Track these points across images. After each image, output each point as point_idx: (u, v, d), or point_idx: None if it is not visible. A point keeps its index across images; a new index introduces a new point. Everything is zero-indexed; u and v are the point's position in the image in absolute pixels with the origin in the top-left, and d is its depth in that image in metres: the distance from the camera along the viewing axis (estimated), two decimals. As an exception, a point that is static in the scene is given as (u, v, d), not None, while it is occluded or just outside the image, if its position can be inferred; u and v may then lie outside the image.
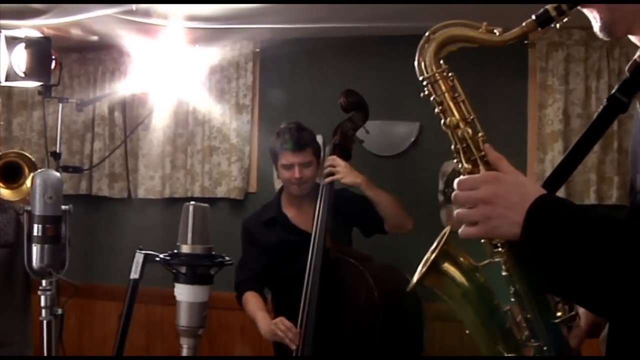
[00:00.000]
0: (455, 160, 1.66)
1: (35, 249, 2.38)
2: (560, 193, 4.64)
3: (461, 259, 1.79)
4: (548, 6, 1.56)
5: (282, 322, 3.57)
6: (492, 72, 4.97)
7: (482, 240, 1.61)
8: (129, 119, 5.70)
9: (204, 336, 2.28)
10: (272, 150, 3.94)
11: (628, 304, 1.34)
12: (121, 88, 5.50)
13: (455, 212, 1.52)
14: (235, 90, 5.46)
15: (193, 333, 2.10)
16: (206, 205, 2.19)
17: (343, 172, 3.74)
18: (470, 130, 1.64)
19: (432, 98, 1.71)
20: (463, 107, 1.68)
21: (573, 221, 1.39)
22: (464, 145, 1.64)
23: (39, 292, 2.39)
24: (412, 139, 5.10)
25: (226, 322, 5.28)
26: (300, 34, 5.06)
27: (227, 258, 2.18)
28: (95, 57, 5.79)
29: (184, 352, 2.14)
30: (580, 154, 1.72)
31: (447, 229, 1.80)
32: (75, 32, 5.15)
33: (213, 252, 2.16)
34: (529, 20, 1.58)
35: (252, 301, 3.82)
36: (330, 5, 4.41)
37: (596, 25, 1.53)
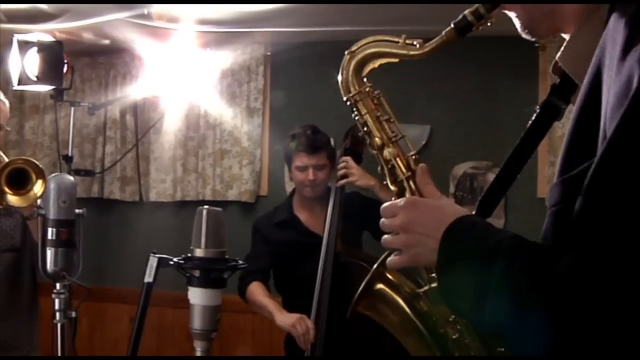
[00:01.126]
0: (384, 182, 1.63)
1: (49, 253, 2.40)
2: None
3: (401, 284, 1.72)
4: (466, 11, 1.51)
5: (306, 321, 3.55)
6: (502, 76, 4.98)
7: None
8: (141, 122, 5.72)
9: (215, 339, 2.28)
10: (287, 152, 3.94)
11: (534, 338, 1.15)
12: (133, 92, 5.52)
13: (382, 239, 1.47)
14: (246, 94, 5.48)
15: (206, 336, 2.11)
16: (219, 209, 2.19)
17: (357, 174, 3.75)
18: (396, 150, 1.61)
19: (356, 118, 1.68)
20: (387, 127, 1.64)
21: (479, 247, 1.27)
22: (390, 166, 1.61)
23: (53, 296, 2.40)
24: (423, 142, 5.10)
25: (237, 325, 5.29)
26: (311, 38, 5.07)
27: (240, 262, 2.19)
28: (107, 60, 5.82)
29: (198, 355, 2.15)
30: (515, 168, 1.61)
31: (386, 253, 1.66)
32: (87, 36, 5.17)
33: (226, 256, 2.17)
34: (448, 28, 1.53)
35: (259, 291, 3.79)
36: (340, 9, 4.42)
37: (517, 24, 1.46)
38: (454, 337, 1.61)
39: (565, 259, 1.11)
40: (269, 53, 5.49)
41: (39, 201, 2.57)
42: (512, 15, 1.46)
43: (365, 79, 1.67)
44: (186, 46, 5.11)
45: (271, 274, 3.95)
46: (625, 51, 1.12)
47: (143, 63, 5.43)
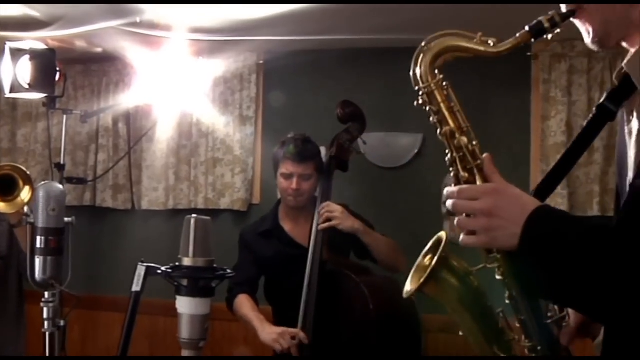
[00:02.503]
0: (451, 169, 1.68)
1: (38, 261, 2.39)
2: (564, 205, 4.68)
3: (455, 264, 1.81)
4: (541, 17, 1.59)
5: (288, 335, 3.54)
6: (495, 84, 4.99)
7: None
8: (133, 130, 5.71)
9: (207, 347, 2.28)
10: (275, 158, 3.92)
11: (623, 312, 1.39)
12: (125, 100, 5.52)
13: (456, 220, 1.55)
14: (239, 102, 5.48)
15: (194, 345, 2.11)
16: (208, 218, 2.19)
17: (340, 217, 3.70)
18: (466, 139, 1.66)
19: (427, 108, 1.72)
20: (459, 117, 1.70)
21: (569, 232, 1.43)
22: (461, 154, 1.66)
23: (42, 304, 2.39)
24: (416, 151, 5.11)
25: (229, 333, 5.28)
26: (304, 46, 5.08)
27: (228, 270, 2.19)
28: (100, 68, 5.81)
29: (186, 365, 2.15)
30: (569, 163, 1.74)
31: (442, 235, 1.82)
32: (80, 44, 5.17)
33: (215, 265, 2.16)
34: (523, 31, 1.61)
35: (246, 304, 3.78)
36: (333, 18, 4.43)
37: (587, 37, 1.55)
38: (498, 310, 1.75)
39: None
40: (261, 61, 5.49)
41: (26, 209, 2.56)
42: (583, 27, 1.56)
43: (437, 71, 1.71)
44: (179, 54, 5.11)
45: (259, 283, 3.94)
46: None
47: (136, 71, 5.42)
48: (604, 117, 1.68)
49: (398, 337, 3.56)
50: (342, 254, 3.87)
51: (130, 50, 5.07)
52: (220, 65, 5.41)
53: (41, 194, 2.38)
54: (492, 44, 1.63)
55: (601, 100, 1.67)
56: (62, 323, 2.42)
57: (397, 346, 3.54)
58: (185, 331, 2.09)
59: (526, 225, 1.45)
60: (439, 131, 1.70)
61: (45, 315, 2.39)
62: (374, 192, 4.90)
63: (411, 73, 1.73)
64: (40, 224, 2.38)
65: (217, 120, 5.48)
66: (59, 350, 2.48)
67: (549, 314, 1.69)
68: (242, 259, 3.94)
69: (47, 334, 2.39)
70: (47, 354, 2.39)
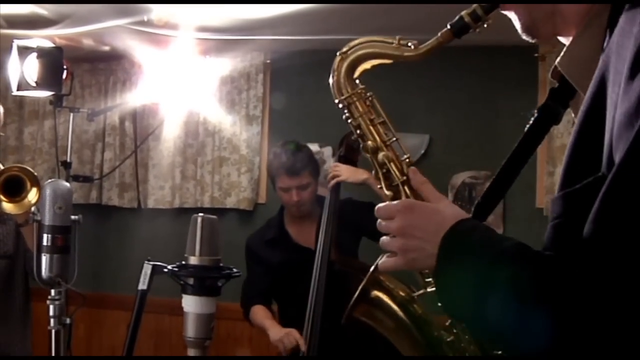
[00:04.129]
0: (378, 187, 1.59)
1: (44, 259, 2.38)
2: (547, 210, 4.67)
3: (396, 289, 1.70)
4: (463, 12, 1.48)
5: (294, 335, 3.55)
6: (501, 86, 4.98)
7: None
8: (140, 129, 5.72)
9: (212, 346, 2.28)
10: (269, 172, 3.93)
11: (535, 342, 1.16)
12: (132, 98, 5.53)
13: (380, 240, 1.43)
14: (245, 101, 5.48)
15: (200, 344, 2.10)
16: (214, 217, 2.19)
17: (346, 173, 3.72)
18: (390, 154, 1.57)
19: (349, 121, 1.63)
20: (381, 130, 1.60)
21: (482, 252, 1.26)
22: (384, 170, 1.57)
23: (48, 302, 2.39)
24: (422, 152, 5.10)
25: (234, 332, 5.29)
26: (311, 46, 5.07)
27: (235, 270, 2.18)
28: (107, 67, 5.83)
29: (192, 364, 2.15)
30: (513, 171, 1.59)
31: (381, 256, 1.62)
32: (87, 42, 5.18)
33: (221, 264, 2.16)
34: (444, 29, 1.51)
35: (261, 313, 3.82)
36: (340, 17, 4.43)
37: (518, 27, 1.43)
38: (448, 339, 1.58)
39: (574, 268, 1.11)
40: (268, 61, 5.49)
41: (33, 208, 2.56)
42: (511, 15, 1.44)
43: (357, 81, 1.63)
44: (186, 53, 5.12)
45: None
46: (634, 68, 1.10)
47: (143, 70, 5.43)
48: (548, 120, 1.57)
49: None
50: (350, 255, 3.88)
51: (138, 49, 5.08)
52: (227, 65, 5.42)
53: (48, 191, 2.38)
54: (412, 47, 1.53)
55: (544, 102, 1.55)
56: (68, 321, 2.41)
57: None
58: (191, 330, 2.08)
59: (442, 243, 1.30)
60: (361, 146, 1.61)
61: (51, 313, 2.38)
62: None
63: (330, 83, 1.65)
64: (47, 221, 2.37)
65: (223, 119, 5.49)
66: (64, 348, 2.48)
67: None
68: (252, 271, 3.93)
69: (53, 331, 2.38)
70: (53, 352, 2.39)
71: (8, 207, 2.67)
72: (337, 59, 1.63)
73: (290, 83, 5.47)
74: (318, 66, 5.23)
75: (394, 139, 1.59)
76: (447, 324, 1.57)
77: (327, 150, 5.23)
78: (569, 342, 1.12)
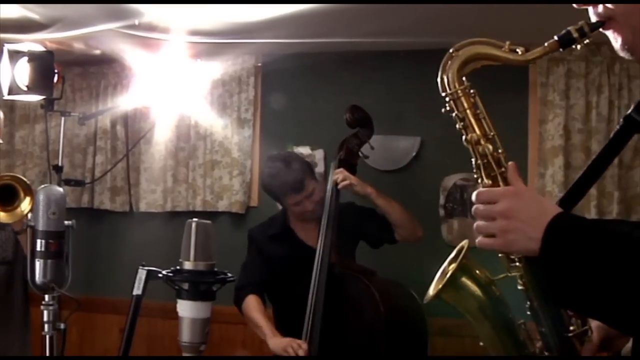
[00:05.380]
0: (475, 176, 1.69)
1: (38, 265, 2.39)
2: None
3: (478, 272, 1.81)
4: (570, 27, 1.58)
5: (297, 342, 3.55)
6: (492, 87, 4.97)
7: (500, 255, 1.63)
8: (131, 132, 5.71)
9: (205, 350, 2.28)
10: (272, 193, 3.93)
11: None
12: (123, 102, 5.51)
13: (475, 224, 1.54)
14: (237, 105, 5.48)
15: (195, 349, 2.11)
16: (209, 222, 2.20)
17: (355, 180, 3.76)
18: (491, 147, 1.67)
19: (454, 114, 1.73)
20: (484, 124, 1.71)
21: (593, 239, 1.39)
22: (485, 161, 1.66)
23: (42, 307, 2.39)
24: (414, 154, 5.11)
25: (227, 336, 5.28)
26: (302, 49, 5.08)
27: (229, 274, 2.19)
28: (98, 71, 5.82)
29: (187, 368, 2.15)
30: (596, 173, 1.72)
31: (464, 243, 1.83)
32: (78, 46, 5.17)
33: (215, 269, 2.17)
34: (552, 40, 1.61)
35: (255, 306, 3.79)
36: (332, 20, 4.43)
37: (616, 45, 1.52)
38: (519, 322, 1.76)
39: None
40: (259, 64, 5.49)
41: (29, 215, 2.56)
42: (610, 34, 1.52)
43: (464, 78, 1.72)
44: (177, 57, 5.11)
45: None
46: None
47: (134, 73, 5.42)
48: (631, 128, 1.66)
49: (406, 340, 3.58)
50: (350, 257, 3.89)
51: (129, 53, 5.07)
52: (218, 68, 5.41)
53: (41, 197, 2.38)
54: (520, 52, 1.64)
55: (629, 112, 1.65)
56: (62, 326, 2.42)
57: (405, 349, 3.55)
58: (186, 335, 2.09)
59: (547, 229, 1.42)
60: (464, 137, 1.71)
61: (45, 318, 2.39)
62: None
63: (438, 79, 1.74)
64: (41, 227, 2.38)
65: (215, 123, 5.49)
66: (58, 353, 2.48)
67: (571, 328, 1.66)
68: (252, 258, 3.94)
69: (47, 336, 2.39)
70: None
71: (1, 216, 2.66)
72: (447, 56, 1.73)
73: (281, 86, 5.47)
74: (309, 69, 5.31)
75: (493, 134, 1.70)
76: (526, 305, 1.67)
77: (319, 153, 5.23)
78: None
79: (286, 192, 3.79)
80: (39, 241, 2.38)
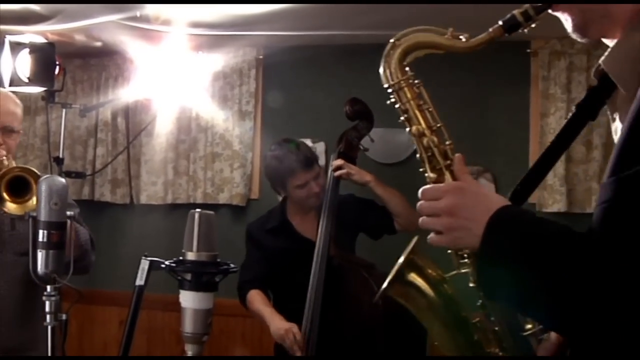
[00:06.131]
0: (421, 169, 1.64)
1: (40, 255, 2.38)
2: (562, 202, 4.69)
3: (428, 269, 1.75)
4: (515, 11, 1.54)
5: (294, 332, 3.55)
6: (494, 81, 4.99)
7: (449, 251, 1.59)
8: (132, 125, 5.71)
9: (207, 341, 2.28)
10: (278, 176, 3.88)
11: (580, 322, 1.27)
12: (124, 94, 5.51)
13: (420, 220, 1.50)
14: (238, 97, 5.48)
15: (197, 339, 2.11)
16: (211, 212, 2.20)
17: (353, 169, 3.76)
18: (436, 139, 1.63)
19: (397, 106, 1.69)
20: (429, 115, 1.66)
21: (530, 234, 1.33)
22: (429, 154, 1.62)
23: (44, 298, 2.39)
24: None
25: (227, 328, 5.28)
26: (304, 41, 5.08)
27: (232, 265, 2.19)
28: (99, 63, 5.81)
29: (189, 359, 2.15)
30: (548, 163, 1.71)
31: (415, 238, 1.77)
32: (79, 38, 5.16)
33: (218, 260, 2.17)
34: (496, 26, 1.56)
35: (258, 299, 3.81)
36: (333, 13, 4.43)
37: (568, 26, 1.49)
38: (474, 320, 1.66)
39: (621, 251, 1.20)
40: (261, 56, 5.49)
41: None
42: (561, 16, 1.49)
43: (407, 68, 1.68)
44: (178, 49, 5.11)
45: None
46: None
47: (135, 65, 5.42)
48: (584, 117, 1.65)
49: (404, 333, 3.58)
50: (348, 250, 3.90)
51: (130, 45, 5.07)
52: (219, 60, 5.41)
53: (43, 187, 2.38)
54: (464, 40, 1.59)
55: (581, 100, 1.63)
56: (63, 317, 2.42)
57: (403, 341, 3.55)
58: (188, 325, 2.09)
59: (488, 225, 1.37)
60: (407, 129, 1.66)
61: (47, 309, 2.39)
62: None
63: (380, 70, 1.70)
64: (43, 217, 2.38)
65: (216, 115, 5.49)
66: (60, 344, 2.48)
67: (527, 326, 1.61)
68: (251, 256, 3.95)
69: (49, 327, 2.39)
70: (49, 348, 2.39)
71: (13, 207, 2.67)
72: (389, 46, 1.69)
73: (283, 79, 5.47)
74: (311, 62, 5.30)
75: (439, 125, 1.65)
76: (477, 304, 1.63)
77: (320, 146, 5.23)
78: (612, 320, 1.20)
79: (296, 169, 3.77)
80: (40, 232, 2.38)
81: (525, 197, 1.68)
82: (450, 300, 1.73)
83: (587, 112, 1.64)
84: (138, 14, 4.48)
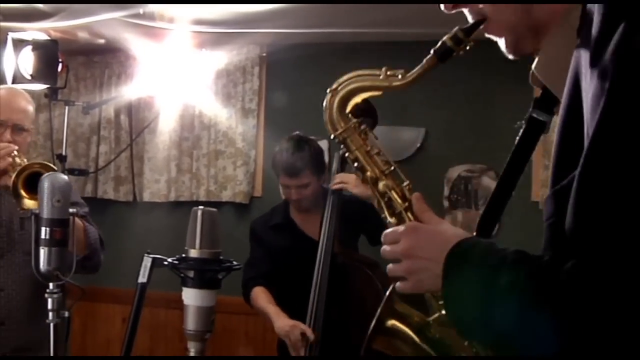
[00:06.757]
0: (382, 216, 1.61)
1: (42, 252, 2.38)
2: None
3: (410, 315, 1.67)
4: (445, 37, 1.51)
5: (299, 329, 3.54)
6: (498, 79, 4.98)
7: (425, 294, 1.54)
8: (135, 122, 5.71)
9: (208, 340, 2.28)
10: (273, 165, 3.93)
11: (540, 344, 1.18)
12: (127, 91, 5.52)
13: (387, 268, 1.46)
14: (241, 95, 5.48)
15: (200, 337, 2.10)
16: (214, 209, 2.19)
17: (353, 184, 3.73)
18: (390, 182, 1.59)
19: (346, 155, 1.66)
20: (379, 160, 1.62)
21: (483, 263, 1.27)
22: (386, 199, 1.59)
23: (46, 295, 2.39)
24: (418, 145, 5.10)
25: (230, 326, 5.28)
26: (307, 39, 5.07)
27: (235, 263, 2.19)
28: (102, 60, 5.81)
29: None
30: (510, 184, 1.60)
31: (391, 286, 1.64)
32: (82, 35, 5.16)
33: (221, 257, 2.16)
34: (429, 55, 1.53)
35: (262, 296, 3.81)
36: (336, 11, 4.42)
37: (502, 44, 1.45)
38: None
39: (566, 267, 1.12)
40: (264, 54, 5.48)
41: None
42: (495, 38, 1.45)
43: (349, 115, 1.65)
44: (181, 46, 5.11)
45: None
46: (595, 56, 1.13)
47: (138, 63, 5.43)
48: (536, 129, 1.57)
49: None
50: (352, 247, 3.89)
51: (133, 42, 5.07)
52: (222, 58, 5.41)
53: (46, 184, 2.37)
54: (399, 76, 1.56)
55: (529, 112, 1.56)
56: (66, 314, 2.41)
57: None
58: (191, 323, 2.08)
59: (446, 262, 1.31)
60: (361, 178, 1.65)
61: (50, 307, 2.38)
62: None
63: (326, 120, 1.68)
64: (45, 214, 2.37)
65: (219, 113, 5.49)
66: (63, 341, 2.48)
67: None
68: (255, 253, 3.95)
69: (52, 325, 2.38)
70: (52, 346, 2.38)
71: (30, 203, 2.67)
72: (328, 96, 1.67)
73: (286, 76, 5.47)
74: (314, 59, 5.30)
75: (392, 167, 1.61)
76: (465, 344, 1.55)
77: (323, 144, 5.20)
78: (573, 344, 1.13)
79: (280, 171, 3.81)
80: (43, 229, 2.37)
81: (494, 223, 1.58)
82: (437, 343, 1.64)
83: (537, 126, 1.56)
84: (141, 11, 4.48)
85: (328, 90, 1.67)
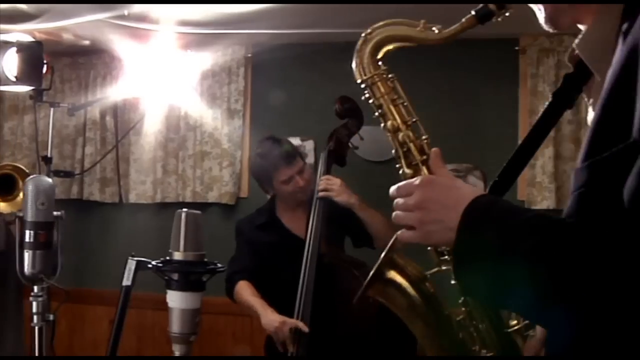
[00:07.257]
0: (397, 166, 1.60)
1: (27, 255, 2.38)
2: (551, 199, 4.71)
3: (409, 268, 1.71)
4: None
5: (287, 326, 3.54)
6: (483, 78, 5.00)
7: (429, 248, 1.55)
8: (121, 123, 5.70)
9: (195, 341, 2.28)
10: (263, 173, 3.88)
11: (566, 312, 1.18)
12: (113, 93, 5.50)
13: (393, 215, 1.45)
14: (227, 95, 5.47)
15: (185, 339, 2.10)
16: (198, 212, 2.19)
17: (337, 190, 3.72)
18: (411, 134, 1.59)
19: (370, 101, 1.65)
20: (403, 110, 1.62)
21: (507, 223, 1.25)
22: (405, 149, 1.59)
23: (31, 299, 2.38)
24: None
25: (217, 327, 5.28)
26: (292, 39, 5.07)
27: (219, 265, 2.19)
28: (87, 61, 5.79)
29: (176, 359, 2.15)
30: (527, 153, 1.63)
31: (394, 236, 1.65)
32: (67, 36, 5.15)
33: (205, 259, 2.16)
34: (468, 15, 1.52)
35: (247, 290, 3.76)
36: (322, 11, 4.42)
37: (540, 16, 1.44)
38: (458, 318, 1.60)
39: (604, 236, 1.13)
40: (249, 54, 5.48)
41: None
42: (535, 7, 1.45)
43: (380, 63, 1.64)
44: (166, 47, 5.09)
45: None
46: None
47: (123, 64, 5.41)
48: (562, 105, 1.61)
49: (396, 331, 3.56)
50: (338, 247, 3.89)
51: (118, 43, 5.05)
52: (208, 59, 5.41)
53: (30, 187, 2.37)
54: (436, 31, 1.55)
55: (558, 87, 1.59)
56: (51, 317, 2.41)
57: (395, 341, 3.54)
58: (176, 325, 2.08)
59: (463, 216, 1.30)
60: (382, 125, 1.62)
61: (34, 310, 2.38)
62: (362, 186, 4.92)
63: (353, 65, 1.66)
64: (29, 217, 2.37)
65: (205, 114, 5.48)
66: (47, 345, 2.47)
67: (512, 322, 1.56)
68: (240, 249, 3.93)
69: (36, 328, 2.38)
70: (36, 349, 2.38)
71: (1, 205, 2.67)
72: (361, 40, 1.64)
73: (271, 77, 5.47)
74: (300, 60, 5.30)
75: (414, 119, 1.61)
76: (459, 300, 1.58)
77: (309, 144, 5.23)
78: (595, 312, 1.13)
79: (279, 164, 3.77)
80: (27, 232, 2.37)
81: (506, 189, 1.61)
82: (432, 298, 1.69)
83: (564, 100, 1.60)
84: (126, 12, 4.47)
85: (362, 35, 1.64)
